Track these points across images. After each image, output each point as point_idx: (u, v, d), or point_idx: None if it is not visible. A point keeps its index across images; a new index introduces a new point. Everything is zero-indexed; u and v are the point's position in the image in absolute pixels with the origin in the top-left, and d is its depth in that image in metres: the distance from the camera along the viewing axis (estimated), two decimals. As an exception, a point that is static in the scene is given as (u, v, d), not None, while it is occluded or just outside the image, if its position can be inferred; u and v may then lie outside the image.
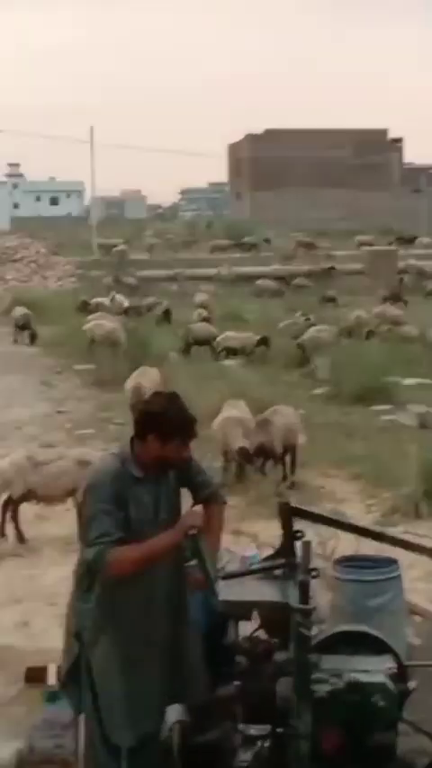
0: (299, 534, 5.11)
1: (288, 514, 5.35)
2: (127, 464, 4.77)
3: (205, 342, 22.80)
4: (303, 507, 6.03)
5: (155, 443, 4.72)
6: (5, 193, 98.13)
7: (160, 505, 4.81)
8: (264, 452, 11.66)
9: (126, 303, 30.26)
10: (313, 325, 24.01)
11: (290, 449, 11.89)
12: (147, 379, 14.89)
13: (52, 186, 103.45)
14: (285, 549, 5.28)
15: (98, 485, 4.78)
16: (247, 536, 9.23)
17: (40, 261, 44.12)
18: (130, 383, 14.87)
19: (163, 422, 4.72)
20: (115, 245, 48.76)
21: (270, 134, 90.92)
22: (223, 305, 30.01)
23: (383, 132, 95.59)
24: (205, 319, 25.71)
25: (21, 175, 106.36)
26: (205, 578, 4.77)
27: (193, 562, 4.76)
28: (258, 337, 22.07)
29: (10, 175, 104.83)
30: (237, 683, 4.84)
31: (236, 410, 12.46)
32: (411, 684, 5.08)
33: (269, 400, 13.83)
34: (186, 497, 5.08)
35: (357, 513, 10.27)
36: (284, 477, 11.71)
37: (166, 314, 28.69)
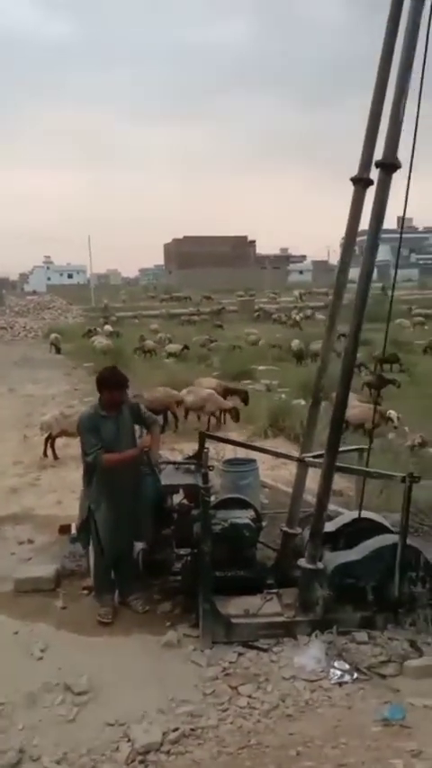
0: (206, 449, 4.95)
1: (203, 437, 5.30)
2: (97, 409, 4.81)
3: (153, 350, 22.59)
4: (211, 433, 6.15)
5: (104, 392, 4.79)
6: (43, 272, 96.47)
7: (120, 432, 4.80)
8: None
9: (110, 329, 29.67)
10: (212, 340, 23.86)
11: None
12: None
13: (69, 268, 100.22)
14: (197, 456, 5.18)
15: (83, 420, 4.82)
16: (178, 451, 9.01)
17: (63, 308, 43.50)
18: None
19: (103, 380, 4.81)
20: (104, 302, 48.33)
21: (186, 238, 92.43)
22: (164, 330, 29.78)
23: (245, 237, 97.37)
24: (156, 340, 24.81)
25: (51, 262, 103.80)
26: (152, 472, 4.85)
27: (145, 465, 4.86)
28: (182, 346, 21.88)
29: (45, 262, 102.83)
30: (173, 527, 4.93)
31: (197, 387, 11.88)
32: (263, 523, 5.28)
33: (189, 380, 13.76)
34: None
35: (234, 436, 10.29)
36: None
37: (118, 335, 27.94)
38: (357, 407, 9.80)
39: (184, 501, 4.97)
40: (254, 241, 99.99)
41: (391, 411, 10.36)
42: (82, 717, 3.82)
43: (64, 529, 6.10)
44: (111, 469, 4.72)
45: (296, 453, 5.44)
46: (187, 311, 42.11)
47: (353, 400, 8.82)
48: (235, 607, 4.57)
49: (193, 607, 4.62)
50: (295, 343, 20.53)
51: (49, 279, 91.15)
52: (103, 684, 4.07)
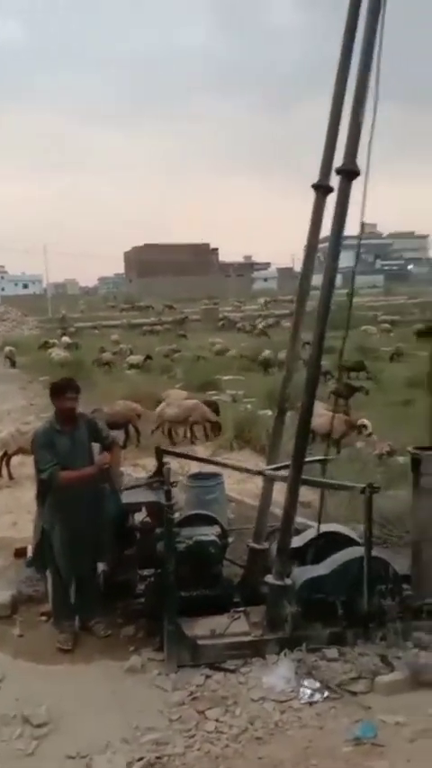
0: (166, 464, 4.96)
1: (160, 453, 5.31)
2: (53, 423, 4.76)
3: (111, 362, 22.12)
4: (166, 449, 5.96)
5: (56, 401, 4.75)
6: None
7: (75, 447, 4.74)
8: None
9: (69, 341, 29.30)
10: (175, 350, 23.73)
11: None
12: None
13: (24, 277, 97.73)
14: (158, 473, 5.10)
15: (38, 435, 4.77)
16: (140, 466, 8.97)
17: (18, 319, 42.97)
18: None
19: (54, 388, 4.80)
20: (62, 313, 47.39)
21: (147, 246, 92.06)
22: (126, 340, 29.54)
23: (207, 245, 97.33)
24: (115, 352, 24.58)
25: (5, 272, 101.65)
26: (113, 491, 4.79)
27: (106, 484, 4.81)
28: (145, 356, 21.71)
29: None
30: (135, 547, 4.84)
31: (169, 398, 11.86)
32: (229, 539, 5.26)
33: (153, 391, 13.79)
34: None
35: (200, 449, 10.20)
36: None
37: (77, 347, 27.59)
38: (324, 416, 9.85)
39: (147, 519, 4.88)
40: (216, 249, 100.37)
41: (363, 419, 10.45)
42: (41, 750, 3.73)
43: (19, 552, 5.97)
44: (66, 487, 4.63)
45: (263, 465, 5.44)
46: (149, 321, 41.88)
47: (319, 409, 8.85)
48: (201, 628, 4.51)
49: (158, 630, 4.53)
50: (265, 353, 20.60)
51: (2, 289, 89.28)
52: (63, 715, 3.97)
